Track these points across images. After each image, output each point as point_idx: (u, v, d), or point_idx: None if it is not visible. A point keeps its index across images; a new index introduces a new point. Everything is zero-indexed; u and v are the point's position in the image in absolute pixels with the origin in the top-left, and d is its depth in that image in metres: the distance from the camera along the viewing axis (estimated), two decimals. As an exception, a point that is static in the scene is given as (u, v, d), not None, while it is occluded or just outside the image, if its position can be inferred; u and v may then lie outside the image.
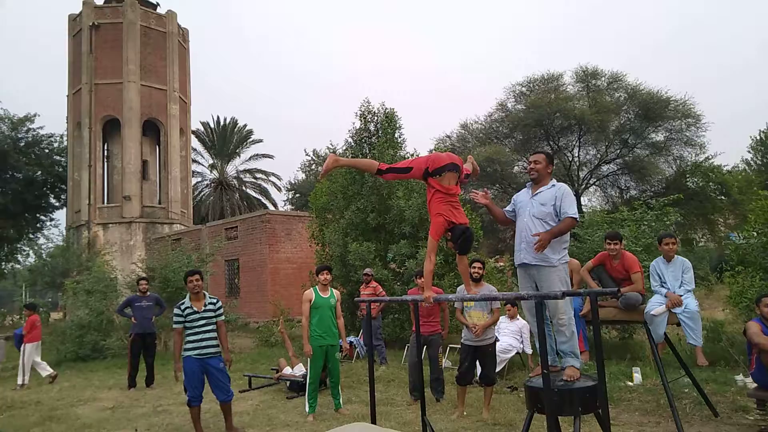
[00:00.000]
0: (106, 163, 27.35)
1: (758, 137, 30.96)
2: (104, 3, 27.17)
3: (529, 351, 8.41)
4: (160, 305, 9.73)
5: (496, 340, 6.99)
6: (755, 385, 5.06)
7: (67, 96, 27.75)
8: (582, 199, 24.90)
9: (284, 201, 40.52)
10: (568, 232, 4.21)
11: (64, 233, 27.58)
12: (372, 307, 9.48)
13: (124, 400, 7.99)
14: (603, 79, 24.22)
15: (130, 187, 25.50)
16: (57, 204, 31.04)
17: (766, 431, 4.78)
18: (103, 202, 26.40)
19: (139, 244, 24.93)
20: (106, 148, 27.33)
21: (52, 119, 68.35)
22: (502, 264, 16.16)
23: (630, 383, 7.10)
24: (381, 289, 10.05)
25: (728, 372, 7.18)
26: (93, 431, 6.34)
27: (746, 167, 28.97)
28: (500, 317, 7.55)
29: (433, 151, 14.39)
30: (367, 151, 13.03)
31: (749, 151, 31.31)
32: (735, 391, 6.37)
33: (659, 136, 23.57)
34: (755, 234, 8.19)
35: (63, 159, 29.28)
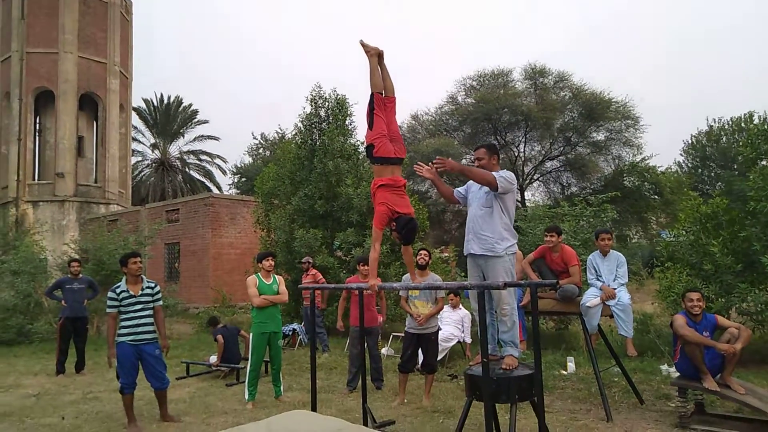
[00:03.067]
0: (37, 138, 25.79)
1: (690, 141, 32.69)
2: (39, -34, 25.45)
3: (469, 340, 8.58)
4: (93, 288, 9.27)
5: (439, 329, 7.08)
6: (678, 374, 5.36)
7: (-5, 63, 25.94)
8: (525, 193, 25.62)
9: (229, 185, 39.53)
10: (512, 220, 4.22)
11: (-11, 210, 25.89)
12: (316, 296, 9.48)
13: (51, 387, 7.61)
14: (550, 77, 24.91)
15: (64, 164, 24.16)
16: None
17: (685, 417, 5.07)
18: (34, 179, 24.92)
19: (72, 224, 23.72)
20: (38, 121, 25.76)
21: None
22: (447, 254, 16.42)
23: (564, 372, 7.37)
24: (321, 277, 9.99)
25: (655, 362, 7.58)
26: (15, 419, 5.98)
27: (678, 169, 30.54)
28: (444, 306, 7.67)
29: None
30: (317, 137, 12.87)
31: (681, 154, 33.05)
32: (660, 380, 6.74)
33: (600, 136, 24.52)
34: (684, 232, 8.64)
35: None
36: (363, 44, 4.30)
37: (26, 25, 24.24)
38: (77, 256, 11.11)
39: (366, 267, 6.75)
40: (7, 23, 24.86)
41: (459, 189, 4.63)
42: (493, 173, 4.12)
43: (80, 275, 9.09)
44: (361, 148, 12.91)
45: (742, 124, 29.50)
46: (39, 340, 11.61)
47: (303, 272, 10.15)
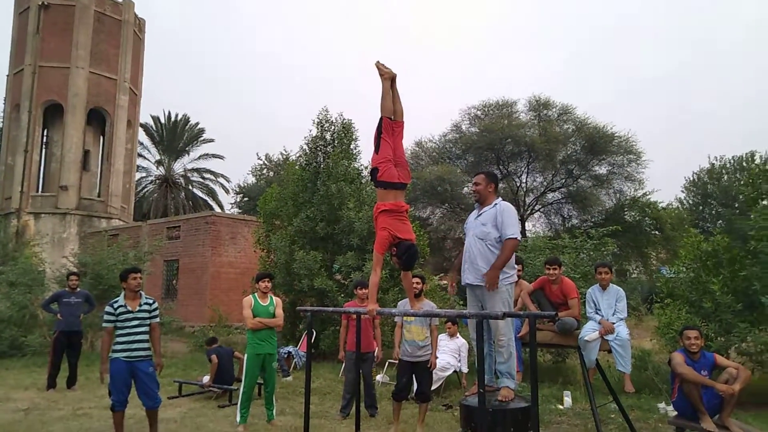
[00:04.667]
0: (44, 150, 25.98)
1: (691, 178, 32.82)
2: (57, -17, 26.01)
3: (465, 369, 8.49)
4: (90, 303, 9.20)
5: (435, 357, 7.01)
6: (676, 413, 5.28)
7: (7, 76, 26.27)
8: (526, 224, 25.63)
9: (231, 204, 39.64)
10: (513, 254, 4.27)
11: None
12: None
13: (41, 402, 7.51)
14: (554, 110, 25.17)
15: (68, 177, 24.29)
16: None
17: (683, 458, 4.99)
18: (38, 191, 25.02)
19: (72, 237, 23.72)
20: (45, 134, 25.99)
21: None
22: (445, 282, 16.35)
23: (561, 406, 7.28)
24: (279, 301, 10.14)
25: (652, 399, 7.49)
26: (3, 434, 5.92)
27: (679, 205, 30.61)
28: (440, 335, 7.60)
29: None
30: (321, 160, 12.95)
31: (683, 191, 33.16)
32: (657, 418, 6.65)
33: (602, 169, 24.65)
34: (684, 269, 8.63)
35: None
36: (379, 66, 4.30)
37: (40, 39, 24.65)
38: (76, 270, 11.08)
39: (364, 291, 6.73)
40: (23, 37, 25.30)
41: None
42: (505, 233, 4.14)
43: (78, 289, 9.06)
44: (365, 172, 12.98)
45: (744, 163, 29.69)
46: (31, 353, 11.51)
47: (302, 294, 10.15)
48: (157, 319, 5.70)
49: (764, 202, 8.38)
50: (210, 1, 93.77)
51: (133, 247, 15.65)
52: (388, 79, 4.24)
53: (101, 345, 5.69)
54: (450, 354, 8.36)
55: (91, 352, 11.47)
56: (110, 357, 5.41)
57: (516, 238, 4.15)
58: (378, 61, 4.32)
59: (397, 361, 6.18)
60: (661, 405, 7.05)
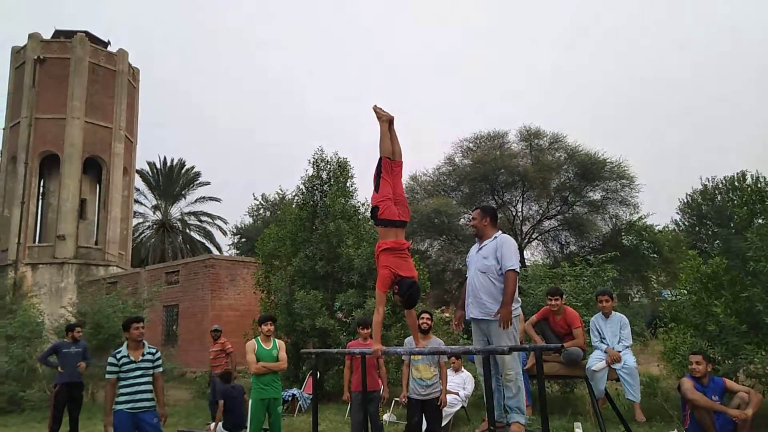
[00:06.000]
0: (40, 201, 26.08)
1: (685, 200, 33.05)
2: (52, 37, 26.59)
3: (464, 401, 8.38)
4: (86, 357, 8.74)
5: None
6: (689, 440, 5.22)
7: (3, 129, 26.61)
8: (525, 252, 25.63)
9: (229, 245, 39.55)
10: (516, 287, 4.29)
11: (-13, 273, 25.77)
12: (222, 362, 9.69)
13: (43, 459, 7.35)
14: (545, 139, 25.49)
15: (65, 227, 24.31)
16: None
17: (700, 487, 4.90)
18: (35, 241, 24.99)
19: (70, 287, 23.57)
20: (42, 184, 26.14)
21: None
22: (447, 315, 16.26)
23: (572, 438, 7.16)
24: (230, 345, 10.19)
25: (664, 427, 7.37)
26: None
27: (676, 227, 30.71)
28: (446, 370, 7.53)
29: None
30: (318, 198, 13.04)
31: (678, 212, 33.32)
32: (670, 446, 6.54)
33: (596, 195, 24.82)
34: (685, 292, 8.62)
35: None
36: (376, 110, 4.43)
37: (36, 92, 25.05)
38: (76, 321, 10.95)
39: (366, 330, 6.71)
40: (19, 90, 25.73)
41: None
42: (505, 265, 4.17)
43: (79, 341, 8.90)
44: (362, 208, 13.05)
45: (735, 183, 29.97)
46: (30, 408, 11.29)
47: (304, 335, 10.07)
48: (161, 369, 5.65)
49: (759, 221, 8.45)
50: (201, 47, 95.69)
51: (132, 294, 15.56)
52: (386, 121, 4.36)
53: (105, 397, 5.62)
54: (456, 388, 8.26)
55: (92, 404, 11.26)
56: (114, 409, 5.34)
57: (515, 269, 4.18)
58: (375, 105, 4.45)
59: (403, 400, 6.10)
60: (674, 432, 6.95)
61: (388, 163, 4.30)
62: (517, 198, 25.75)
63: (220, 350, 10.03)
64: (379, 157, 4.37)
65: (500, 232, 4.47)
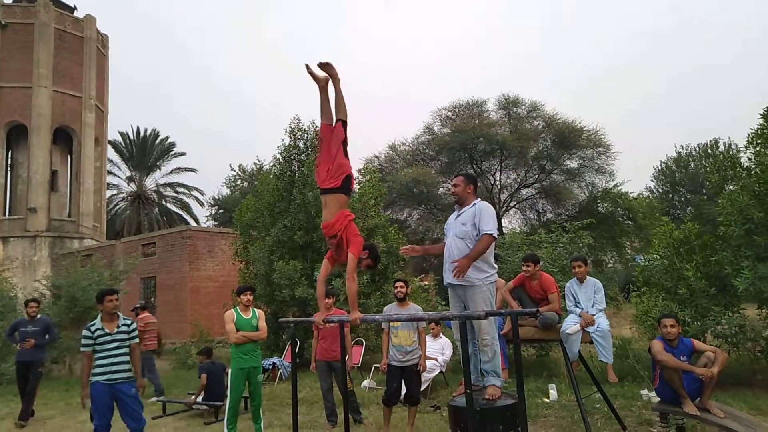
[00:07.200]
0: (9, 172, 25.35)
1: (660, 167, 33.60)
2: (14, 2, 25.44)
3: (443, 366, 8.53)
4: (50, 333, 8.50)
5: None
6: (659, 399, 5.40)
7: (-33, 98, 25.60)
8: (503, 221, 25.88)
9: (206, 217, 39.12)
10: (492, 250, 4.31)
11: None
12: (149, 337, 9.61)
13: (20, 432, 7.31)
14: (523, 107, 25.48)
15: (36, 199, 23.73)
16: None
17: (668, 442, 5.09)
18: (5, 214, 24.39)
19: (44, 260, 23.17)
20: (10, 155, 25.37)
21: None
22: (426, 283, 16.43)
23: (546, 400, 7.37)
24: (152, 319, 10.19)
25: (635, 387, 7.63)
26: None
27: (650, 194, 31.28)
28: (425, 336, 7.62)
29: (362, 171, 14.48)
30: (296, 168, 12.90)
31: (652, 180, 33.91)
32: (641, 405, 6.77)
33: (573, 163, 25.03)
34: (658, 257, 8.82)
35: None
36: (326, 69, 4.11)
37: (0, 60, 24.06)
38: (34, 297, 10.48)
39: (330, 300, 6.75)
40: (-20, 58, 24.68)
41: (445, 239, 4.70)
42: (482, 229, 4.18)
43: (38, 317, 8.52)
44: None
45: (708, 150, 30.53)
46: (6, 382, 11.17)
47: (283, 305, 10.08)
48: (137, 340, 5.61)
49: (730, 188, 8.61)
50: (171, 10, 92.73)
51: (107, 267, 15.36)
52: (337, 80, 4.12)
53: (81, 369, 5.57)
54: (434, 354, 8.40)
55: (70, 377, 11.20)
56: (90, 381, 5.30)
57: (492, 233, 4.18)
58: (307, 65, 4.08)
59: (383, 368, 6.17)
60: (644, 392, 7.19)
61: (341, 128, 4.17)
62: (496, 167, 25.84)
63: (143, 326, 9.21)
64: (336, 119, 4.18)
65: (479, 199, 4.47)
